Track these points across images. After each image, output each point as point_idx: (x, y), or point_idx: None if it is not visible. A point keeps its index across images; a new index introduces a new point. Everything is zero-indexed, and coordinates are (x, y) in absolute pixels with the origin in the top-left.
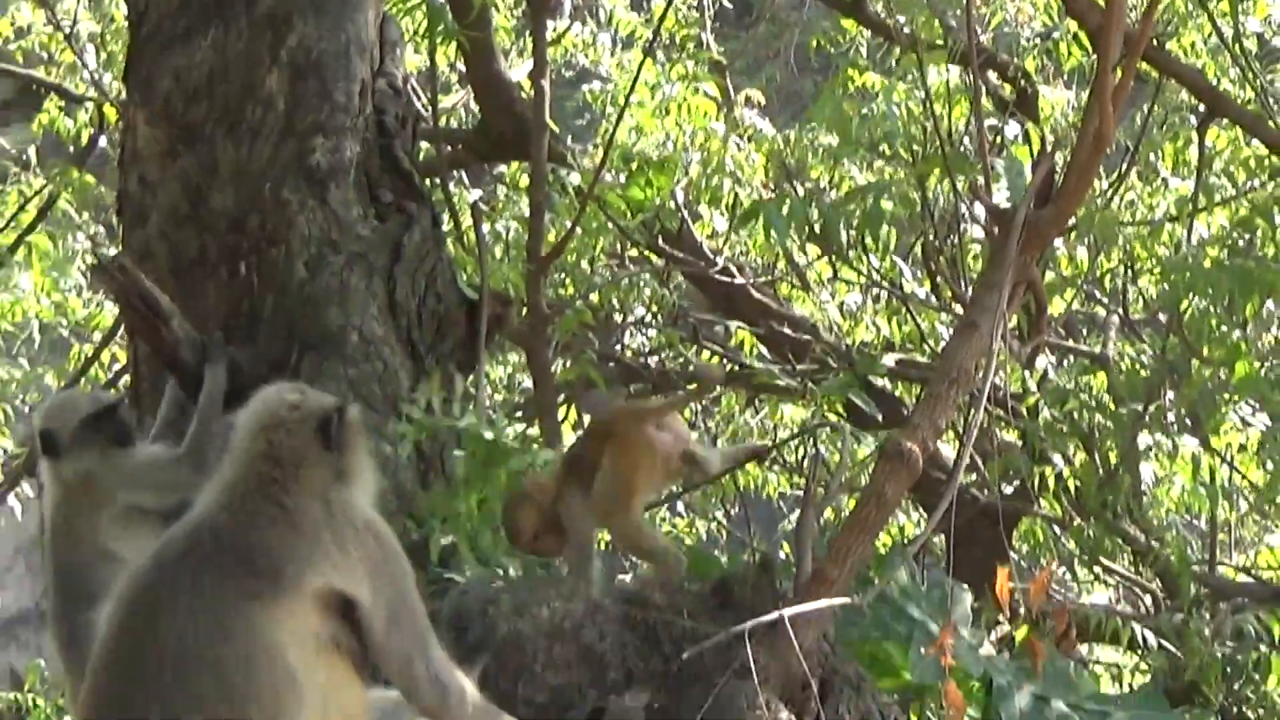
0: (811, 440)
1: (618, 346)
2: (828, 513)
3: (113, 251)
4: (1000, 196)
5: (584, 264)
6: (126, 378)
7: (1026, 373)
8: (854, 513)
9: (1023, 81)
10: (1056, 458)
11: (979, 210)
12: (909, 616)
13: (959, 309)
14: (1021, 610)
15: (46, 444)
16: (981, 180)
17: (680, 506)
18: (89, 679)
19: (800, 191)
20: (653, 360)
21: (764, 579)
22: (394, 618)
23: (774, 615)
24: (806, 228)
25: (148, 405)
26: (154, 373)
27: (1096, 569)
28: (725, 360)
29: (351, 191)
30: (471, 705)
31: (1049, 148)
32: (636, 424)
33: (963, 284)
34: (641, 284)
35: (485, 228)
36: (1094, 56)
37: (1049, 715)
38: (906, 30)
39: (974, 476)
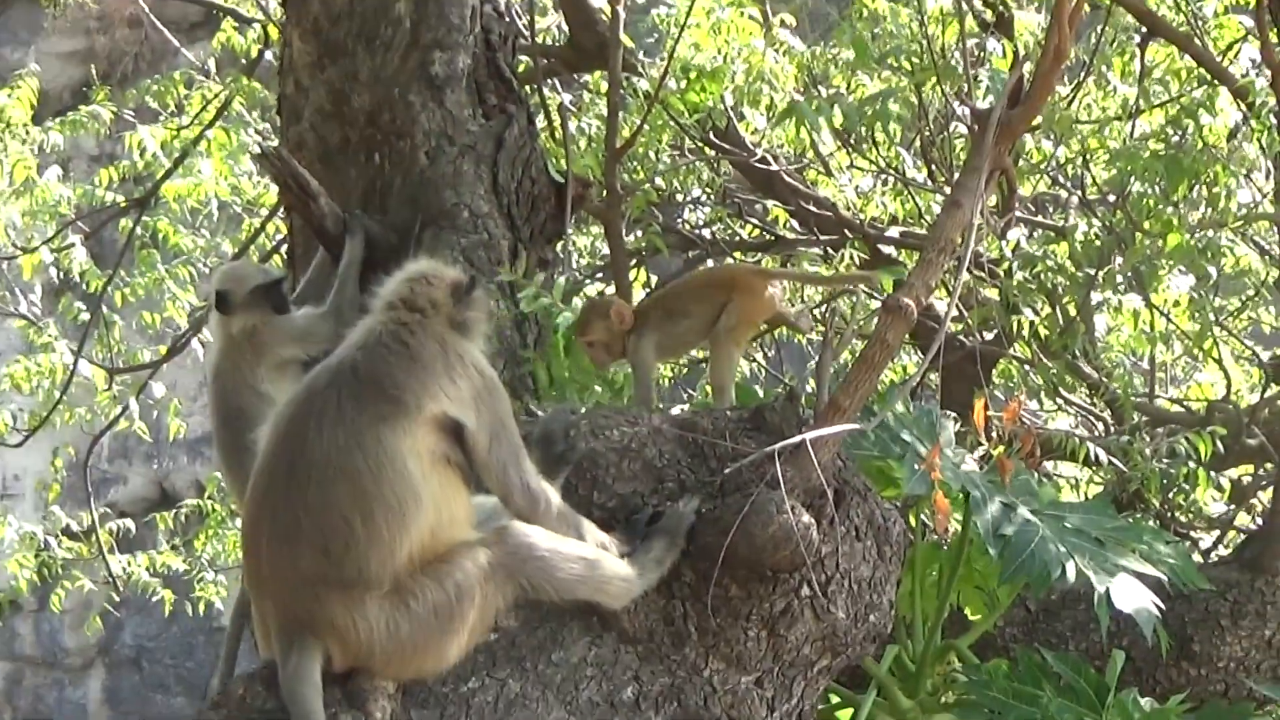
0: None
1: (678, 220)
2: (844, 355)
3: (273, 143)
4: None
5: (651, 154)
6: (285, 245)
7: (1002, 242)
8: (862, 354)
9: (1001, 6)
10: (1027, 311)
11: (964, 111)
12: (902, 440)
13: (948, 190)
14: (996, 433)
15: (220, 302)
16: (966, 87)
17: None
18: (251, 485)
19: (824, 95)
20: (706, 232)
21: (790, 407)
22: (494, 438)
23: (798, 438)
24: (829, 124)
25: (301, 267)
26: (306, 241)
27: (1058, 400)
28: (763, 231)
29: (464, 95)
30: (555, 510)
31: (1020, 60)
32: (763, 279)
33: (950, 170)
34: (697, 170)
35: (571, 125)
36: None
37: (1015, 519)
38: None
39: (960, 326)
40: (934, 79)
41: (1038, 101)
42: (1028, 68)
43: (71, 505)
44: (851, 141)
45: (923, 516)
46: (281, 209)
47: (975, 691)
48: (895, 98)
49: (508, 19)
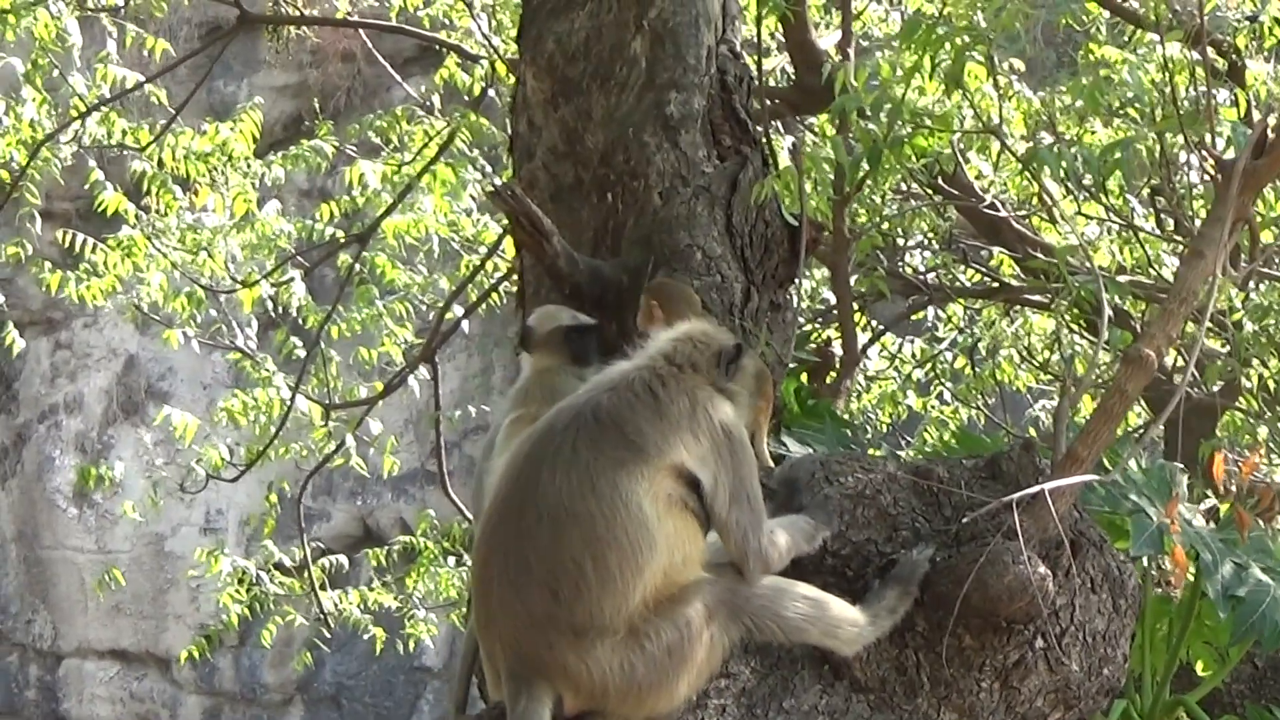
0: (1058, 345)
1: (899, 264)
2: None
3: (499, 182)
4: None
5: (876, 198)
6: (504, 284)
7: (1232, 293)
8: (1100, 404)
9: (1233, 56)
10: (1256, 362)
11: (1194, 159)
12: (1132, 498)
13: (1177, 238)
14: (1232, 487)
15: (522, 338)
16: (1208, 137)
17: (947, 395)
18: (482, 525)
19: (1049, 141)
20: (930, 276)
21: (1027, 457)
22: (734, 498)
23: (1037, 488)
24: (1069, 172)
25: (530, 306)
26: (536, 280)
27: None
28: (987, 277)
29: (698, 136)
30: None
31: (1255, 110)
32: None
33: (1179, 218)
34: (924, 215)
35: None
36: None
37: (1247, 580)
38: (1141, 11)
39: (1186, 377)
40: (1177, 127)
41: None
42: (1274, 118)
43: (276, 540)
44: (1086, 189)
45: (1151, 570)
46: (501, 247)
47: None
48: (1137, 147)
49: (742, 60)
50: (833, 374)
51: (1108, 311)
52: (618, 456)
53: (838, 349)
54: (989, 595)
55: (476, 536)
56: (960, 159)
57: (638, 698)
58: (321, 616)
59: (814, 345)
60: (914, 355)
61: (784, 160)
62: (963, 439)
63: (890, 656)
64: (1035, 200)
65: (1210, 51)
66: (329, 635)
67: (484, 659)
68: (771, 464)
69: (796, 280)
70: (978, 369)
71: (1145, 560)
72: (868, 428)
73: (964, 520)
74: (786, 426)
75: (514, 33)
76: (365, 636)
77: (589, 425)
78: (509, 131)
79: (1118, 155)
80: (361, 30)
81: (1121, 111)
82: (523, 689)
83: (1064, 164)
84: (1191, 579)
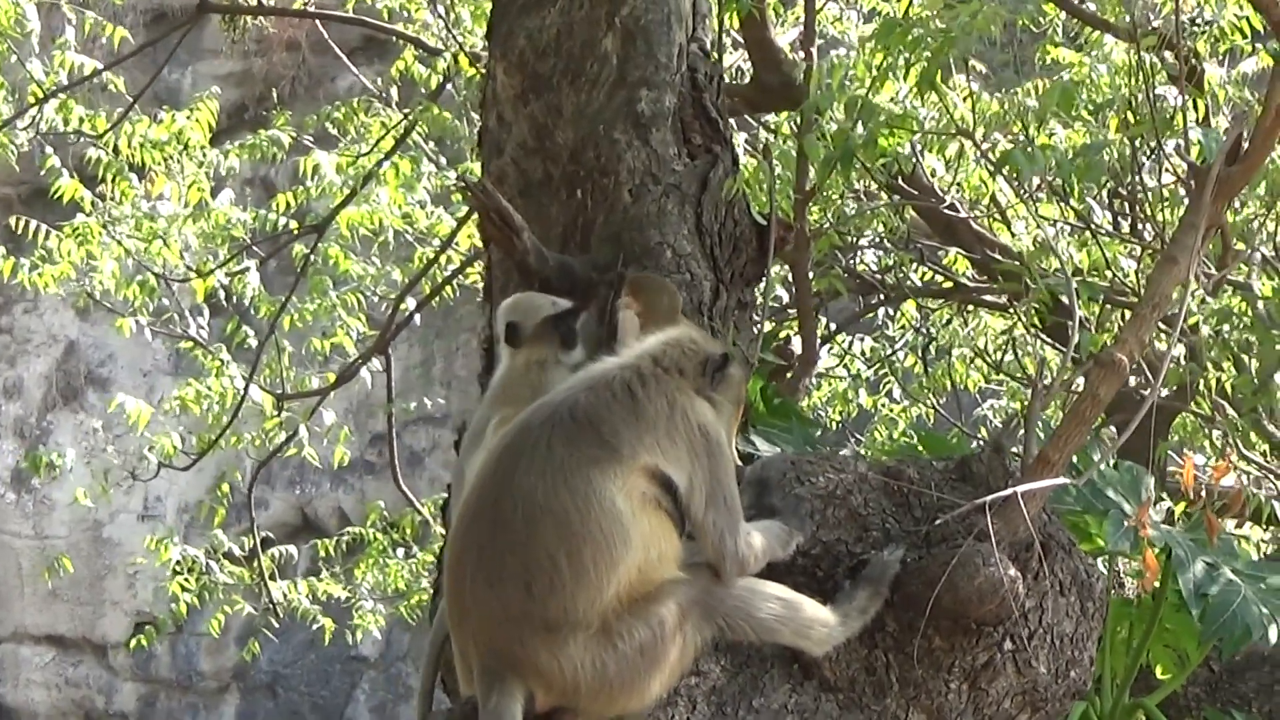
0: (1012, 345)
1: (853, 262)
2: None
3: (454, 174)
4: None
5: (834, 197)
6: (458, 276)
7: (1189, 296)
8: (1072, 408)
9: (1193, 59)
10: (1210, 366)
11: (1153, 163)
12: (1106, 496)
13: (1134, 240)
14: (1203, 491)
15: (510, 334)
16: (1180, 142)
17: (896, 393)
18: (456, 520)
19: (1004, 143)
20: (879, 277)
21: (997, 459)
22: (711, 500)
23: (1009, 490)
24: (1040, 174)
25: (497, 302)
26: (504, 275)
27: (1233, 458)
28: (940, 277)
29: (669, 134)
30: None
31: (1211, 113)
32: None
33: (1144, 222)
34: (882, 215)
35: (751, 164)
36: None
37: (1218, 579)
38: (1099, 14)
39: (1158, 387)
40: (1149, 131)
41: (1257, 159)
42: (1247, 125)
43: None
44: (1055, 190)
45: (1111, 573)
46: (455, 240)
47: None
48: (1106, 149)
49: (714, 58)
50: (789, 373)
51: (1079, 314)
52: (592, 455)
53: (796, 347)
54: (959, 597)
55: (451, 532)
56: (919, 159)
57: (609, 695)
58: (270, 606)
59: (775, 344)
60: (864, 353)
61: (741, 157)
62: (927, 440)
63: (860, 657)
64: (988, 201)
65: (1169, 56)
66: (277, 625)
67: (455, 655)
68: (740, 462)
69: (765, 279)
70: (930, 368)
71: (1102, 564)
72: (819, 425)
73: (935, 522)
74: (753, 425)
75: (472, 26)
76: (315, 626)
77: (565, 423)
78: (476, 126)
79: (1083, 159)
80: (316, 20)
81: (1082, 115)
82: (495, 685)
83: (1035, 166)
84: (1155, 583)
